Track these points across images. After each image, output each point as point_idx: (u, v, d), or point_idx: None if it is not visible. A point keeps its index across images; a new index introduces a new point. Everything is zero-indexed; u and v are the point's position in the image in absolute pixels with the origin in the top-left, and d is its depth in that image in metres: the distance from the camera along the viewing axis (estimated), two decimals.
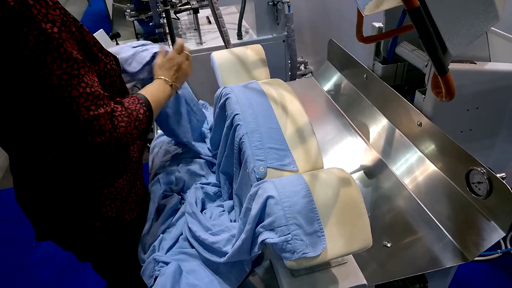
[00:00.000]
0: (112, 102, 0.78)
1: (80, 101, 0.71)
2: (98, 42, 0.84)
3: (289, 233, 0.69)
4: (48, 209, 0.88)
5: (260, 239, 0.72)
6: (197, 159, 1.20)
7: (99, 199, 0.89)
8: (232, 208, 1.04)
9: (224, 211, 1.03)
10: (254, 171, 0.83)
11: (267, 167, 0.83)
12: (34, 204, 0.88)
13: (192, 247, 0.93)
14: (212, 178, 1.14)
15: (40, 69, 0.67)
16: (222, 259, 0.83)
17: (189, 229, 0.94)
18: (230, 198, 1.07)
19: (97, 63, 0.82)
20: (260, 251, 0.77)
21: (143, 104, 0.85)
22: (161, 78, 0.98)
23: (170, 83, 0.98)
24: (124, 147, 0.89)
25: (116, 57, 0.95)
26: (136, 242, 1.02)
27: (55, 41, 0.67)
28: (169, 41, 2.15)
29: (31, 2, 0.64)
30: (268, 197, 0.71)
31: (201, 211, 1.01)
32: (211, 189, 1.09)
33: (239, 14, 2.33)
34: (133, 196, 0.97)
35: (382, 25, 1.27)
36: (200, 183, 1.10)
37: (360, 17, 0.91)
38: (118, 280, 1.17)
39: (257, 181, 0.80)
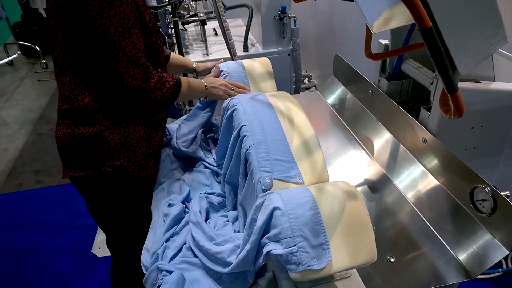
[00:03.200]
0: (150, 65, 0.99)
1: (125, 50, 0.93)
2: (153, 18, 1.05)
3: (295, 245, 0.69)
4: (75, 145, 1.03)
5: (265, 250, 0.72)
6: (203, 169, 1.21)
7: (116, 146, 1.04)
8: (236, 218, 1.04)
9: (228, 221, 1.03)
10: (260, 182, 0.84)
11: (273, 178, 0.84)
12: (65, 138, 1.04)
13: (196, 256, 0.93)
14: (217, 188, 1.15)
15: (103, 18, 0.89)
16: (226, 270, 0.83)
17: (193, 238, 0.94)
18: (235, 208, 1.07)
19: (147, 34, 1.02)
20: (264, 262, 0.77)
21: (175, 79, 1.06)
22: (204, 83, 1.18)
23: (206, 86, 1.17)
24: (149, 104, 1.04)
25: (165, 37, 1.16)
26: (143, 204, 1.14)
27: (118, 2, 0.90)
28: (176, 51, 2.18)
29: None
30: (274, 208, 0.72)
31: (205, 221, 1.01)
32: (215, 199, 1.09)
33: (245, 27, 2.36)
34: (146, 157, 1.11)
35: (389, 42, 1.30)
36: (205, 193, 1.10)
37: (368, 34, 0.93)
38: (120, 242, 1.25)
39: (263, 192, 0.81)
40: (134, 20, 0.94)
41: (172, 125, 1.32)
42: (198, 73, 1.38)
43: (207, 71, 1.35)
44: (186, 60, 1.41)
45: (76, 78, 0.99)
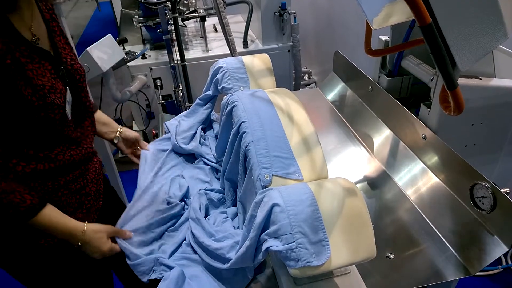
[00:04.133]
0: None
1: None
2: (52, 86, 0.81)
3: (294, 241, 0.69)
4: None
5: (264, 246, 0.72)
6: (202, 165, 1.21)
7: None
8: (236, 214, 1.04)
9: (227, 217, 1.03)
10: (260, 178, 0.83)
11: (272, 175, 0.84)
12: None
13: (195, 252, 0.93)
14: (216, 184, 1.15)
15: None
16: (226, 266, 0.83)
17: (193, 234, 0.95)
18: (234, 204, 1.07)
19: (32, 109, 0.79)
20: (263, 259, 0.77)
21: (29, 204, 0.79)
22: (82, 228, 0.88)
23: (79, 242, 0.88)
24: None
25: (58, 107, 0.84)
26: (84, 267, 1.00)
27: None
28: (176, 48, 2.18)
29: None
30: (273, 205, 0.72)
31: (205, 217, 1.01)
32: (215, 195, 1.09)
33: (245, 23, 2.36)
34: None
35: (389, 39, 1.29)
36: (204, 189, 1.10)
37: (368, 30, 0.93)
38: None
39: (262, 189, 0.81)
40: None
41: (171, 122, 1.32)
42: (121, 141, 1.18)
43: (130, 142, 1.19)
44: (111, 123, 1.18)
45: None
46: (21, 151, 0.82)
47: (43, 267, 0.96)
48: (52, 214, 0.85)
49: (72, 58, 0.93)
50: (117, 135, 1.17)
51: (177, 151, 1.25)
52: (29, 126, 0.81)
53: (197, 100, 1.32)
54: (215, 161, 1.22)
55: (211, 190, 1.11)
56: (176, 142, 1.22)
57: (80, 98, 0.94)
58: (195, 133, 1.26)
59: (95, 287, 1.08)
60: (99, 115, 1.14)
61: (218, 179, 1.17)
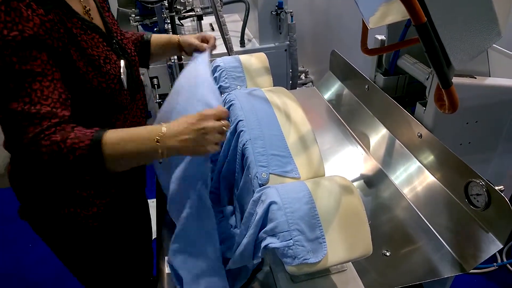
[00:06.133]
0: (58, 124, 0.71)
1: (14, 113, 0.69)
2: (107, 57, 0.84)
3: (291, 239, 0.70)
4: (28, 187, 0.92)
5: (263, 244, 0.72)
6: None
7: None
8: (232, 213, 1.04)
9: (223, 217, 1.04)
10: (257, 177, 0.84)
11: (270, 173, 0.84)
12: (18, 179, 0.93)
13: None
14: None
15: None
16: (226, 267, 0.84)
17: None
18: (230, 203, 1.07)
19: (84, 80, 0.79)
20: (262, 257, 0.77)
21: (87, 143, 0.70)
22: (162, 133, 0.73)
23: (161, 151, 0.73)
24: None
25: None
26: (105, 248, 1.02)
27: (9, 48, 0.67)
28: None
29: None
30: (271, 203, 0.72)
31: None
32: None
33: (242, 22, 2.36)
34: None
35: (385, 38, 1.30)
36: None
37: (365, 29, 0.94)
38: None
39: (259, 187, 0.81)
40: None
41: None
42: (183, 49, 1.19)
43: (192, 49, 1.18)
44: (170, 37, 1.20)
45: None
46: (84, 118, 0.79)
47: (83, 244, 0.99)
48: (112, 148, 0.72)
49: (121, 33, 0.99)
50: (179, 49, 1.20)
51: None
52: (89, 96, 0.82)
53: None
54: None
55: None
56: None
57: (134, 71, 0.98)
58: None
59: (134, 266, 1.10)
60: (158, 37, 1.19)
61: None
